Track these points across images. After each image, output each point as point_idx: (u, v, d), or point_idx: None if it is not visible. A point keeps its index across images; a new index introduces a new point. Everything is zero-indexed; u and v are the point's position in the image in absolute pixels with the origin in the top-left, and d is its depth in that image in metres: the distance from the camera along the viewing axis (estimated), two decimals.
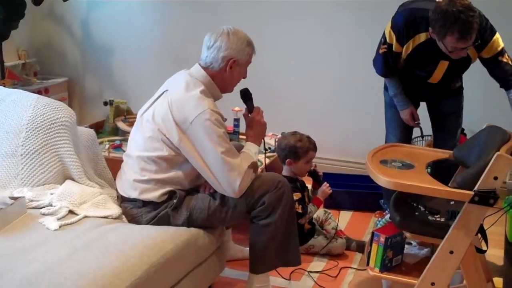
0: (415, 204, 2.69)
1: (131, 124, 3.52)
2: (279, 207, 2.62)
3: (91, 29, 5.39)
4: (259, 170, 2.84)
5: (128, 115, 4.30)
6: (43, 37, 5.54)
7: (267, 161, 3.54)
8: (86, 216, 2.57)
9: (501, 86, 3.22)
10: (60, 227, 2.44)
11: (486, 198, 2.35)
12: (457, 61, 3.15)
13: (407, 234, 2.61)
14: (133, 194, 2.65)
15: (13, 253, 2.19)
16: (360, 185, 4.17)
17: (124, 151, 2.91)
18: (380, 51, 3.34)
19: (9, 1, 4.53)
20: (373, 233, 2.75)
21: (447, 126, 3.56)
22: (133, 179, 2.65)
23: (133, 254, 2.25)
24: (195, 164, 2.58)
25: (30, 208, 2.60)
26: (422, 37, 3.15)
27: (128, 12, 5.22)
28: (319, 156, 4.21)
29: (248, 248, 2.75)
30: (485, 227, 2.57)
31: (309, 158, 3.41)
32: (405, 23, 3.17)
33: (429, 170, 3.21)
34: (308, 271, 3.22)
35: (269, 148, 3.82)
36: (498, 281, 2.94)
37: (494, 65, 3.15)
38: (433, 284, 2.51)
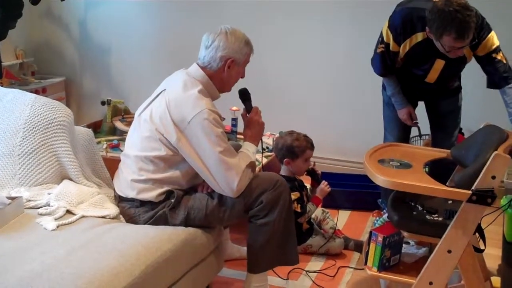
0: (413, 204, 2.70)
1: (129, 124, 3.52)
2: (277, 206, 2.62)
3: (89, 29, 5.39)
4: (257, 169, 2.83)
5: (125, 115, 4.29)
6: (41, 36, 5.54)
7: (265, 160, 3.54)
8: (83, 216, 2.56)
9: (489, 86, 3.22)
10: (57, 227, 2.43)
11: (484, 198, 2.35)
12: (453, 60, 3.16)
13: (405, 234, 2.61)
14: (131, 193, 2.65)
15: (11, 253, 2.19)
16: (358, 184, 4.17)
17: (121, 151, 2.91)
18: (378, 51, 3.35)
19: (7, 0, 4.52)
20: (371, 233, 2.75)
21: (445, 126, 3.56)
22: (131, 179, 2.65)
23: (131, 254, 2.25)
24: (193, 164, 2.58)
25: (28, 208, 2.59)
26: (419, 36, 3.16)
27: (125, 12, 5.22)
28: (317, 155, 4.22)
29: (245, 248, 2.75)
30: (483, 226, 2.57)
31: (307, 157, 3.41)
32: (402, 23, 3.17)
33: (427, 169, 3.22)
34: (306, 271, 3.22)
35: (267, 147, 3.82)
36: (496, 280, 2.94)
37: (489, 63, 3.15)
38: (431, 283, 2.51)
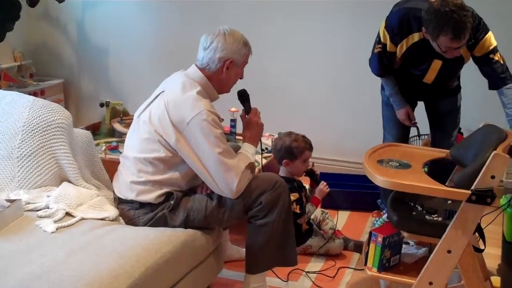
0: (412, 204, 2.70)
1: (128, 126, 3.52)
2: (276, 207, 2.62)
3: (87, 31, 5.38)
4: (256, 170, 2.83)
5: (124, 117, 4.29)
6: (39, 38, 5.54)
7: (264, 161, 3.53)
8: (83, 218, 2.56)
9: (490, 87, 3.22)
10: (57, 229, 2.43)
11: (484, 197, 2.35)
12: (450, 61, 3.16)
13: (405, 234, 2.61)
14: (130, 195, 2.64)
15: (10, 255, 2.19)
16: (358, 185, 4.17)
17: (120, 153, 2.91)
18: (375, 51, 3.35)
19: (4, 2, 4.52)
20: (370, 233, 2.75)
21: (444, 125, 3.56)
22: (130, 181, 2.65)
23: (131, 256, 2.25)
24: (192, 165, 2.58)
25: (27, 210, 2.59)
26: (415, 36, 3.15)
27: (123, 13, 5.21)
28: (317, 156, 4.22)
29: (245, 249, 2.75)
30: (482, 226, 2.57)
31: (305, 157, 3.41)
32: (399, 23, 3.17)
33: (426, 169, 3.22)
34: (306, 271, 3.22)
35: (266, 148, 3.82)
36: (495, 279, 2.94)
37: (486, 63, 3.15)
38: (431, 283, 2.51)
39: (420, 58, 3.25)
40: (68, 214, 2.58)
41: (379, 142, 3.30)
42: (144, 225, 2.62)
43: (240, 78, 2.77)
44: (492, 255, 3.11)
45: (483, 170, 2.34)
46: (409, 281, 2.62)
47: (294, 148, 3.37)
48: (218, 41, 2.64)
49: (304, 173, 3.49)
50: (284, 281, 3.11)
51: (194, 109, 2.53)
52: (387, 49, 3.27)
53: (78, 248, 2.26)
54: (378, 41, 3.32)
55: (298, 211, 3.30)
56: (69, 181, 2.82)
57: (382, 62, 3.34)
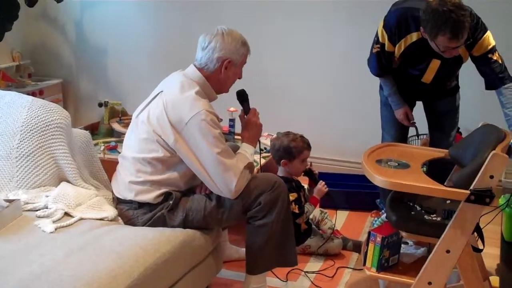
0: (411, 204, 2.70)
1: (126, 125, 3.52)
2: (275, 207, 2.62)
3: (85, 30, 5.38)
4: (255, 170, 2.83)
5: (123, 116, 4.29)
6: (37, 38, 5.54)
7: (263, 161, 3.53)
8: (81, 218, 2.56)
9: (487, 87, 3.21)
10: (55, 229, 2.43)
11: (482, 197, 2.35)
12: (449, 60, 3.16)
13: (404, 234, 2.62)
14: (129, 195, 2.64)
15: (9, 255, 2.19)
16: (357, 184, 4.17)
17: (119, 153, 2.91)
18: (374, 51, 3.35)
19: (3, 2, 4.52)
20: (369, 233, 2.75)
21: (443, 125, 3.56)
22: (129, 181, 2.65)
23: (129, 256, 2.25)
24: (190, 165, 2.58)
25: (26, 210, 2.59)
26: (414, 36, 3.15)
27: (122, 13, 5.21)
28: (316, 156, 4.22)
29: (244, 249, 2.75)
30: (481, 225, 2.57)
31: (304, 157, 3.41)
32: (397, 23, 3.17)
33: (424, 169, 3.22)
34: (305, 271, 3.22)
35: (265, 148, 3.82)
36: (494, 279, 2.94)
37: (484, 63, 3.14)
38: (430, 283, 2.51)
39: (419, 58, 3.25)
40: (67, 214, 2.58)
41: (377, 142, 3.29)
42: (143, 225, 2.62)
43: (239, 78, 2.77)
44: (491, 255, 3.11)
45: (481, 170, 2.34)
46: (408, 281, 2.62)
47: (292, 148, 3.37)
48: (217, 41, 2.64)
49: (303, 173, 3.49)
50: (283, 281, 3.11)
51: (193, 109, 2.53)
52: (386, 49, 3.27)
53: (77, 248, 2.26)
54: (376, 41, 3.32)
55: (296, 211, 3.30)
56: (68, 181, 2.82)
57: (380, 62, 3.34)
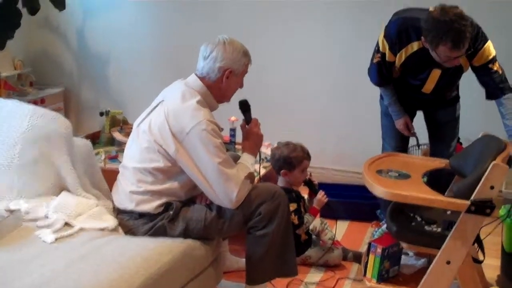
0: (411, 214, 2.70)
1: (127, 135, 3.51)
2: (276, 217, 2.62)
3: (87, 39, 5.39)
4: (255, 180, 2.83)
5: (124, 125, 4.29)
6: (39, 47, 5.54)
7: (263, 171, 3.53)
8: (82, 228, 2.55)
9: (488, 97, 3.22)
10: (56, 239, 2.42)
11: (483, 208, 2.36)
12: (449, 70, 3.16)
13: (404, 245, 2.62)
14: (129, 205, 2.64)
15: (10, 266, 2.18)
16: (357, 195, 4.16)
17: (120, 162, 2.91)
18: (374, 61, 3.35)
19: (5, 10, 4.53)
20: (370, 244, 2.75)
21: (443, 135, 3.56)
22: (129, 191, 2.65)
23: (130, 266, 2.25)
24: (191, 175, 2.58)
25: (26, 220, 2.58)
26: (414, 46, 3.16)
27: (124, 22, 5.22)
28: (316, 165, 4.22)
29: (244, 259, 2.74)
30: (482, 236, 2.57)
31: (304, 167, 3.41)
32: (398, 32, 3.18)
33: (425, 179, 3.22)
34: (305, 282, 3.21)
35: (266, 158, 3.82)
36: None
37: (485, 73, 3.14)
38: None
39: (419, 68, 3.25)
40: (67, 224, 2.57)
41: (378, 152, 3.30)
42: (143, 235, 2.62)
43: (240, 88, 2.77)
44: (491, 266, 3.10)
45: (482, 181, 2.35)
46: None
47: (292, 158, 3.37)
48: (218, 50, 2.65)
49: (303, 183, 3.49)
50: None
51: (194, 119, 2.53)
52: (386, 58, 3.27)
53: (78, 258, 2.26)
54: (377, 50, 3.32)
55: (296, 221, 3.29)
56: (69, 191, 2.81)
57: (381, 72, 3.34)
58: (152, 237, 2.59)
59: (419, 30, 3.04)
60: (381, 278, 2.68)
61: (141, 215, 2.63)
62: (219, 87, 2.69)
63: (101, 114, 4.32)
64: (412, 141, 3.79)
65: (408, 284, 2.69)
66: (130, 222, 2.65)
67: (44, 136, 2.81)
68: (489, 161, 2.40)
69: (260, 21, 4.77)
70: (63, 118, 2.94)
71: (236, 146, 3.92)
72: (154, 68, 5.18)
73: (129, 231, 2.65)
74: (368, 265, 2.72)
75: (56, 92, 5.38)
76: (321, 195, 3.46)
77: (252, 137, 2.80)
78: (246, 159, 2.73)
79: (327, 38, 4.64)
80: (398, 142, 3.57)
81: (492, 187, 2.35)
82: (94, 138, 4.19)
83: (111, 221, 2.66)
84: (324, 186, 3.80)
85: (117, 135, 4.12)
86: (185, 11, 4.99)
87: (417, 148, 4.12)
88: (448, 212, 2.64)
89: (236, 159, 2.76)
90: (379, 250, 2.67)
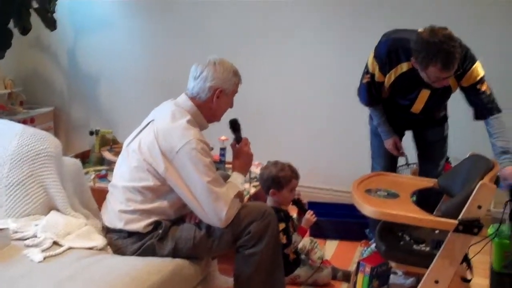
0: (400, 234, 2.70)
1: (117, 154, 3.52)
2: (265, 236, 2.62)
3: (78, 58, 5.41)
4: (245, 199, 2.84)
5: (114, 145, 4.29)
6: (30, 66, 5.56)
7: (253, 190, 3.53)
8: (70, 248, 2.55)
9: (475, 117, 3.24)
10: (44, 258, 2.42)
11: (470, 227, 2.37)
12: (438, 90, 3.18)
13: (393, 264, 2.62)
14: (119, 224, 2.64)
15: None
16: (346, 214, 4.16)
17: (109, 181, 2.90)
18: (364, 81, 3.37)
19: None
20: (358, 263, 2.75)
21: (432, 155, 3.58)
22: (118, 210, 2.65)
23: (119, 285, 2.24)
24: (181, 194, 2.58)
25: (15, 239, 2.57)
26: (404, 66, 3.18)
27: (114, 42, 5.25)
28: (305, 185, 4.22)
29: (233, 279, 2.74)
30: (470, 255, 2.58)
31: (292, 186, 3.40)
32: (388, 53, 3.20)
33: (414, 198, 3.23)
34: None
35: (255, 177, 3.83)
36: None
37: (473, 94, 3.16)
38: None
39: (409, 88, 3.27)
40: (55, 243, 2.56)
41: (367, 171, 3.31)
42: (132, 255, 2.61)
43: (230, 107, 2.79)
44: (480, 285, 3.11)
45: (469, 200, 2.36)
46: None
47: (280, 178, 3.36)
48: (208, 70, 2.67)
49: (291, 203, 3.48)
50: None
51: (183, 138, 2.54)
52: (376, 79, 3.29)
53: (66, 277, 2.25)
54: (366, 71, 3.35)
55: (284, 241, 3.28)
56: (58, 210, 2.81)
57: (370, 92, 3.36)
58: (141, 256, 2.58)
59: (408, 51, 3.06)
60: None
61: (130, 234, 2.63)
62: (209, 107, 2.70)
63: (91, 133, 4.33)
64: (401, 160, 3.81)
65: None
66: (119, 241, 2.65)
67: (34, 155, 2.81)
68: (476, 180, 2.42)
69: (251, 41, 4.80)
70: (53, 137, 2.94)
71: (226, 165, 3.93)
72: (144, 88, 5.19)
73: (118, 250, 2.64)
74: (357, 284, 2.72)
75: (46, 112, 5.40)
76: (309, 215, 3.45)
77: (242, 157, 2.81)
78: (236, 178, 2.74)
79: (317, 59, 4.67)
80: (387, 161, 3.58)
81: (479, 207, 2.37)
82: (84, 158, 4.20)
83: (99, 240, 2.65)
84: (313, 205, 3.81)
85: (107, 155, 4.12)
86: (175, 32, 5.01)
87: (406, 167, 4.14)
88: (437, 232, 2.65)
89: (226, 178, 2.76)
90: (368, 269, 2.67)
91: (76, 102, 5.51)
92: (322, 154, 4.77)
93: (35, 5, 4.68)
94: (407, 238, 2.66)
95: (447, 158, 3.79)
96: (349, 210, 3.96)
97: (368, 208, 2.47)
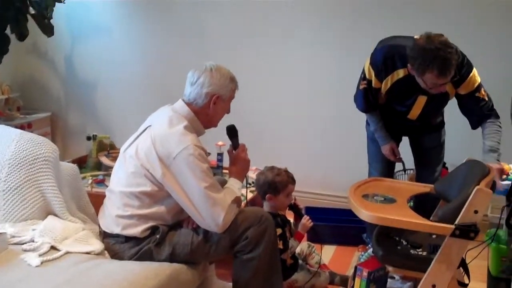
0: (397, 238, 2.71)
1: (114, 159, 3.52)
2: (263, 241, 2.62)
3: (75, 64, 5.42)
4: (242, 205, 2.84)
5: (111, 150, 4.30)
6: (27, 72, 5.56)
7: (250, 195, 3.53)
8: (68, 252, 2.54)
9: (474, 127, 3.25)
10: (41, 263, 2.41)
11: (467, 232, 2.37)
12: (435, 97, 3.19)
13: (390, 268, 2.62)
14: (116, 229, 2.64)
15: None
16: (343, 219, 4.17)
17: (107, 186, 2.91)
18: (360, 87, 3.38)
19: None
20: (356, 267, 2.75)
21: (429, 160, 3.58)
22: (116, 215, 2.65)
23: None
24: (178, 199, 2.59)
25: (12, 244, 2.57)
26: (400, 73, 3.19)
27: (111, 48, 5.26)
28: (302, 190, 4.23)
29: (231, 284, 2.74)
30: (468, 260, 2.59)
31: (289, 191, 3.40)
32: (384, 60, 3.21)
33: (411, 204, 3.24)
34: None
35: (252, 182, 3.83)
36: None
37: (471, 101, 3.17)
38: None
39: (405, 94, 3.28)
40: (53, 247, 2.56)
41: (364, 177, 3.32)
42: (129, 259, 2.61)
43: (227, 113, 2.80)
44: None
45: (466, 205, 2.37)
46: None
47: (277, 183, 3.35)
48: (205, 76, 2.67)
49: (288, 208, 3.49)
50: None
51: (181, 144, 2.55)
52: (372, 85, 3.30)
53: (63, 282, 2.24)
54: (363, 77, 3.35)
55: (281, 246, 3.27)
56: (55, 215, 2.81)
57: (367, 98, 3.37)
58: (138, 261, 2.58)
59: (404, 57, 3.07)
60: None
61: (128, 239, 2.63)
62: (206, 113, 2.71)
63: (88, 138, 4.34)
64: (398, 166, 3.82)
65: None
66: (116, 246, 2.65)
67: (31, 160, 2.81)
68: (473, 186, 2.43)
69: (248, 47, 4.81)
70: (50, 142, 2.94)
71: (223, 171, 3.93)
72: (141, 94, 5.20)
73: (115, 255, 2.64)
74: None
75: (43, 117, 5.40)
76: (305, 220, 3.45)
77: (239, 162, 2.81)
78: (233, 183, 2.74)
79: (314, 65, 4.68)
80: (384, 167, 3.59)
81: (476, 212, 2.38)
82: (81, 163, 4.20)
83: (97, 245, 2.65)
84: (310, 210, 3.81)
85: (104, 160, 4.13)
86: (172, 38, 5.02)
87: (403, 173, 4.15)
88: (433, 236, 2.66)
89: (223, 183, 2.77)
90: (365, 274, 2.68)
91: (73, 107, 5.52)
92: (319, 159, 4.78)
93: (32, 11, 4.68)
94: (404, 242, 2.67)
95: (444, 164, 3.79)
96: (346, 215, 3.97)
97: (365, 213, 2.47)
